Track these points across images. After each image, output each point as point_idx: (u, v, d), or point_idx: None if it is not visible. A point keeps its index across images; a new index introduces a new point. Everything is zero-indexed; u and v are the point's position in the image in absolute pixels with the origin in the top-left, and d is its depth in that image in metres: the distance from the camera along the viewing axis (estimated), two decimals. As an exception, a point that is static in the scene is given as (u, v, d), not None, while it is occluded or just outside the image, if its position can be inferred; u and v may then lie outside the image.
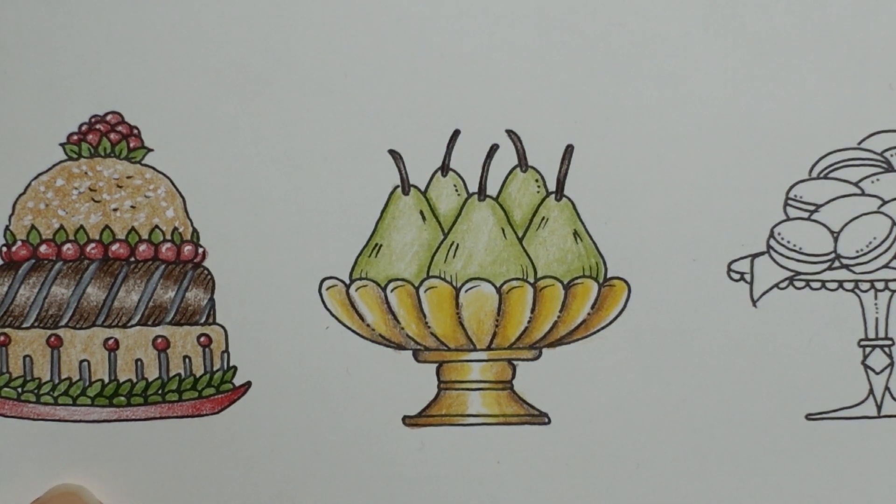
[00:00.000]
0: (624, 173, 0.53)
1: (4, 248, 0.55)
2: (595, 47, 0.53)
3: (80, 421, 0.55)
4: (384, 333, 0.55)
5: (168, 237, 0.55)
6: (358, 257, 0.54)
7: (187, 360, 0.55)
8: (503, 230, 0.54)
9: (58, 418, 0.55)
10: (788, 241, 0.54)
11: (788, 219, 0.54)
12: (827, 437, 0.54)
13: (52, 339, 0.55)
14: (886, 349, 0.54)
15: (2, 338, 0.55)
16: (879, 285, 0.54)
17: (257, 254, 0.54)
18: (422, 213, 0.54)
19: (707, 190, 0.53)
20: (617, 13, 0.53)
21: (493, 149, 0.54)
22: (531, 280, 0.54)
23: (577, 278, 0.54)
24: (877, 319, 0.54)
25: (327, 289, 0.54)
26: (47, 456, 0.55)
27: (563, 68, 0.53)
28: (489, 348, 0.55)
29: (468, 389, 0.55)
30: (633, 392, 0.54)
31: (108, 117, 0.54)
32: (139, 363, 0.55)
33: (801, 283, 0.54)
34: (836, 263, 0.54)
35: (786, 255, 0.54)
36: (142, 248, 0.55)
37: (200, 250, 0.55)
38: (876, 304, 0.54)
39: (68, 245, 0.55)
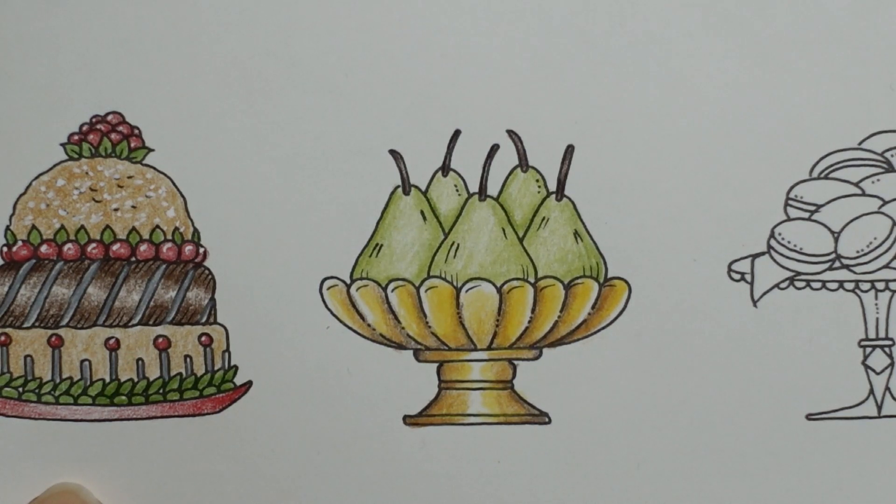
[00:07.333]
0: (624, 173, 0.53)
1: (5, 248, 0.55)
2: (596, 47, 0.53)
3: (82, 420, 0.55)
4: (385, 333, 0.55)
5: (169, 237, 0.55)
6: (359, 257, 0.54)
7: (188, 360, 0.55)
8: (504, 230, 0.54)
9: (59, 417, 0.55)
10: (789, 242, 0.54)
11: (789, 219, 0.53)
12: (827, 437, 0.54)
13: (53, 338, 0.55)
14: (887, 349, 0.54)
15: (3, 338, 0.55)
16: (880, 285, 0.54)
17: (258, 253, 0.54)
18: (422, 213, 0.55)
19: (707, 190, 0.53)
20: (617, 13, 0.53)
21: (494, 149, 0.54)
22: (532, 280, 0.54)
23: (577, 278, 0.54)
24: (877, 319, 0.54)
25: (328, 288, 0.54)
26: (49, 455, 0.55)
27: (564, 68, 0.53)
28: (490, 348, 0.55)
29: (469, 389, 0.55)
30: (634, 392, 0.54)
31: (109, 117, 0.54)
32: (140, 363, 0.55)
33: (802, 284, 0.54)
34: (837, 264, 0.54)
35: (786, 256, 0.54)
36: (143, 247, 0.55)
37: (201, 250, 0.55)
38: (876, 305, 0.54)
39: (69, 245, 0.55)
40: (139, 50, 0.54)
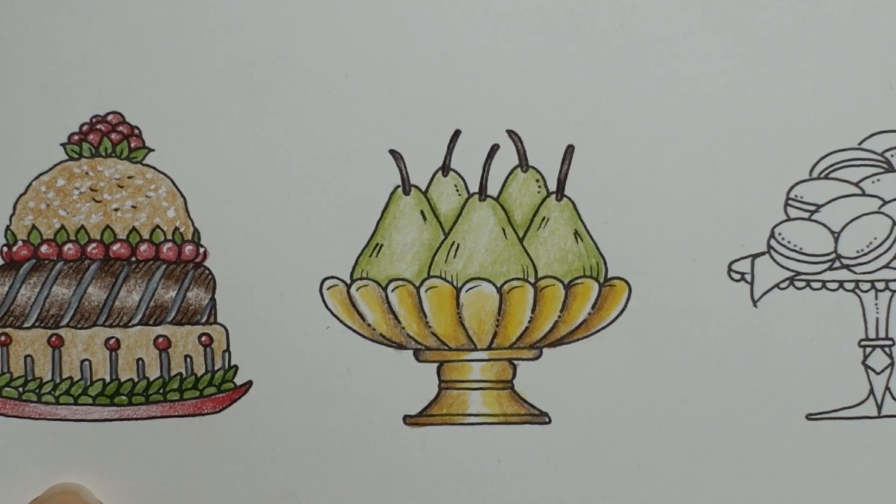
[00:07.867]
0: (624, 173, 0.53)
1: (5, 248, 0.55)
2: (596, 47, 0.53)
3: (82, 420, 0.55)
4: (385, 333, 0.55)
5: (169, 237, 0.55)
6: (359, 257, 0.54)
7: (188, 360, 0.55)
8: (504, 230, 0.54)
9: (59, 417, 0.55)
10: (789, 242, 0.54)
11: (789, 219, 0.53)
12: (827, 437, 0.54)
13: (54, 338, 0.55)
14: (887, 349, 0.54)
15: (3, 338, 0.55)
16: (880, 285, 0.54)
17: (258, 253, 0.54)
18: (422, 213, 0.55)
19: (707, 190, 0.53)
20: (617, 13, 0.53)
21: (494, 149, 0.54)
22: (532, 280, 0.54)
23: (577, 278, 0.54)
24: (877, 319, 0.54)
25: (328, 288, 0.54)
26: (49, 455, 0.55)
27: (564, 68, 0.53)
28: (490, 348, 0.55)
29: (469, 389, 0.55)
30: (633, 392, 0.54)
31: (110, 117, 0.54)
32: (140, 362, 0.55)
33: (802, 284, 0.54)
34: (837, 263, 0.54)
35: (786, 256, 0.54)
36: (143, 247, 0.55)
37: (201, 250, 0.55)
38: (876, 305, 0.54)
39: (69, 245, 0.55)
40: (139, 50, 0.54)
